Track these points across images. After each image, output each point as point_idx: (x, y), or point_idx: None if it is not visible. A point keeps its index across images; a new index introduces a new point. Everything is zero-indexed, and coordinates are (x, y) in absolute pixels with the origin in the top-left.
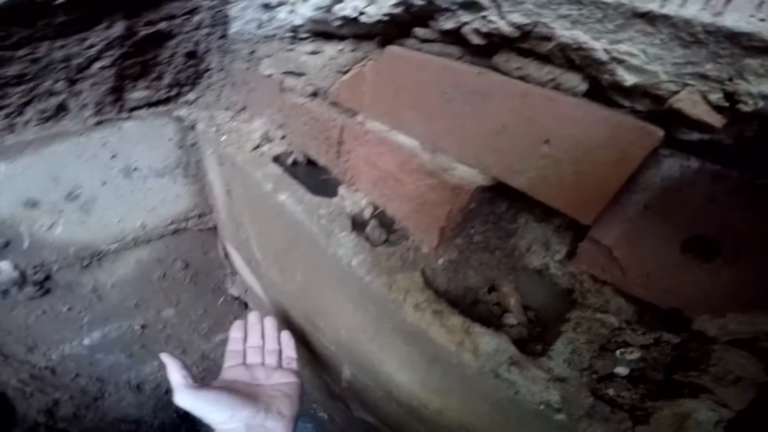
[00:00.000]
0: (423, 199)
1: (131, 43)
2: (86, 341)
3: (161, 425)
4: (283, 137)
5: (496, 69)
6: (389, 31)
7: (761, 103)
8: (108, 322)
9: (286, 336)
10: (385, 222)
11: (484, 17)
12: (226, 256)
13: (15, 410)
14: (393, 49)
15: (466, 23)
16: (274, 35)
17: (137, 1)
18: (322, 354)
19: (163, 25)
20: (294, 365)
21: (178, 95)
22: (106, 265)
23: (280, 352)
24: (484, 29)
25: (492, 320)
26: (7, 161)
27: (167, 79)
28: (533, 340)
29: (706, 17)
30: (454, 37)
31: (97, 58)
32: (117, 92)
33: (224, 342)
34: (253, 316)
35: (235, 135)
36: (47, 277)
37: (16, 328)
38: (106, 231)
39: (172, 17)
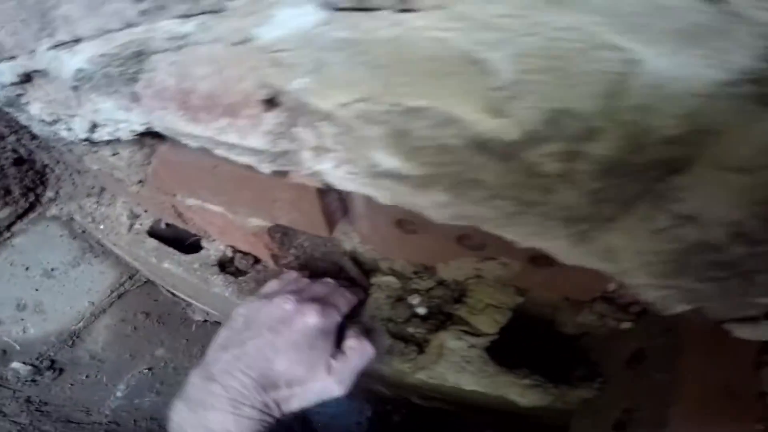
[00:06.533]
0: (250, 241)
1: None
2: (119, 393)
3: None
4: (146, 210)
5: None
6: (152, 136)
7: None
8: (121, 374)
9: None
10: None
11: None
12: (173, 294)
13: None
14: (162, 149)
15: None
16: (71, 142)
17: None
18: None
19: None
20: None
21: (37, 198)
22: (87, 338)
23: None
24: None
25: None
26: None
27: (17, 191)
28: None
29: None
30: None
31: None
32: None
33: None
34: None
35: (109, 222)
36: (52, 362)
37: (64, 400)
38: (66, 317)
39: None
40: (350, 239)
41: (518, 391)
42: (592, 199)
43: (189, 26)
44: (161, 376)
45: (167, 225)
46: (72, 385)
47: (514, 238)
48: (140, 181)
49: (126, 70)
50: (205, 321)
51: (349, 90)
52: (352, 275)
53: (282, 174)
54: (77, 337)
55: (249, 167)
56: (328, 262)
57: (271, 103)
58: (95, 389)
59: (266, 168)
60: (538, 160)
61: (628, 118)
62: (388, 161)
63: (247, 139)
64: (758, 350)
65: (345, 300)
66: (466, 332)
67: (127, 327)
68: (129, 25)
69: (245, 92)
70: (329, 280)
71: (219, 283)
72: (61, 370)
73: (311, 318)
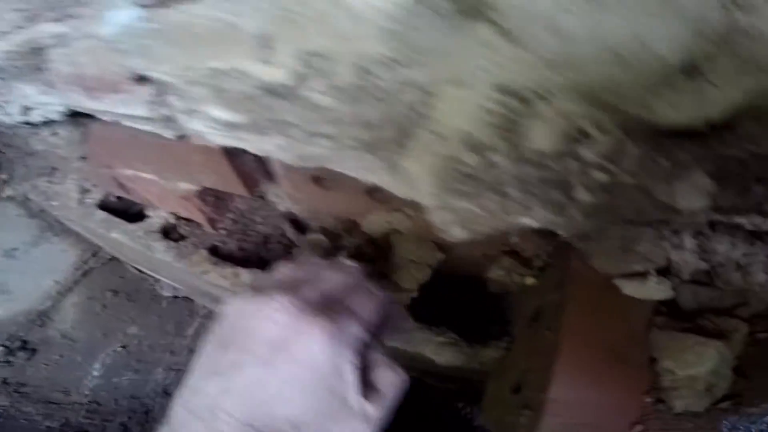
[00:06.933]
0: (184, 205)
1: None
2: (95, 372)
3: None
4: (94, 185)
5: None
6: (84, 115)
7: None
8: (95, 353)
9: None
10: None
11: None
12: (140, 270)
13: None
14: (92, 126)
15: None
16: (14, 125)
17: None
18: None
19: None
20: None
21: None
22: (55, 317)
23: None
24: None
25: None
26: None
27: None
28: None
29: None
30: None
31: None
32: None
33: (197, 333)
34: None
35: (60, 198)
36: (24, 342)
37: (41, 380)
38: (32, 297)
39: None
40: (283, 200)
41: (433, 349)
42: (364, 126)
43: (64, 28)
44: (137, 354)
45: (117, 198)
46: (46, 365)
47: (354, 174)
48: (82, 157)
49: (31, 63)
50: (176, 297)
51: (170, 64)
52: (290, 237)
53: (183, 137)
54: (46, 317)
55: (160, 135)
56: (269, 225)
57: (142, 79)
58: (71, 369)
59: (167, 133)
60: (311, 96)
61: (348, 48)
62: (222, 114)
63: (135, 109)
64: (653, 311)
65: (372, 301)
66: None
67: (95, 305)
68: (20, 28)
69: (118, 73)
70: (350, 262)
71: (161, 249)
72: (34, 351)
73: (318, 344)
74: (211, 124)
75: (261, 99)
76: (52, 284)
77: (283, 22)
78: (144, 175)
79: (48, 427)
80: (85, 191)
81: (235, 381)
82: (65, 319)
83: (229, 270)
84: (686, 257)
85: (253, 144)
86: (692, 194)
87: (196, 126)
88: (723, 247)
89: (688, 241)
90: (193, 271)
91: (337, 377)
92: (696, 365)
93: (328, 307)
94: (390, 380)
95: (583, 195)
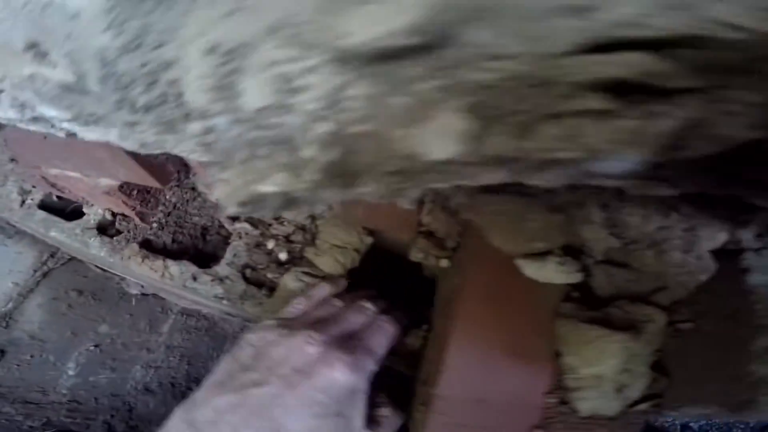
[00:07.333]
0: (111, 201)
1: None
2: (70, 372)
3: None
4: (34, 186)
5: None
6: None
7: None
8: (68, 353)
9: None
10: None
11: None
12: (103, 270)
13: None
14: (6, 128)
15: None
16: None
17: None
18: None
19: None
20: None
21: None
22: (20, 318)
23: None
24: None
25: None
26: None
27: None
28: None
29: None
30: None
31: None
32: None
33: (173, 329)
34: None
35: (3, 200)
36: None
37: (15, 381)
38: None
39: None
40: (212, 191)
41: None
42: (148, 109)
43: None
44: (111, 352)
45: (59, 198)
46: (18, 365)
47: (195, 158)
48: (12, 159)
49: None
50: (144, 294)
51: None
52: (227, 227)
53: (72, 135)
54: (10, 319)
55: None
56: (205, 216)
57: None
58: (44, 369)
59: (57, 132)
60: (95, 88)
61: (83, 45)
62: (55, 113)
63: (7, 112)
64: (563, 297)
65: (385, 338)
66: (307, 274)
67: (61, 305)
68: None
69: None
70: (367, 304)
71: (96, 245)
72: (3, 352)
73: (339, 373)
74: (66, 122)
75: (67, 96)
76: (12, 286)
77: (41, 30)
78: (69, 173)
79: (30, 426)
80: (25, 192)
81: (251, 396)
82: (31, 320)
83: (159, 263)
84: (596, 233)
85: (104, 136)
86: (438, 138)
87: (63, 125)
88: (635, 220)
89: (596, 214)
90: (125, 265)
91: (349, 404)
92: (598, 363)
93: (350, 344)
94: (387, 416)
95: (311, 152)
